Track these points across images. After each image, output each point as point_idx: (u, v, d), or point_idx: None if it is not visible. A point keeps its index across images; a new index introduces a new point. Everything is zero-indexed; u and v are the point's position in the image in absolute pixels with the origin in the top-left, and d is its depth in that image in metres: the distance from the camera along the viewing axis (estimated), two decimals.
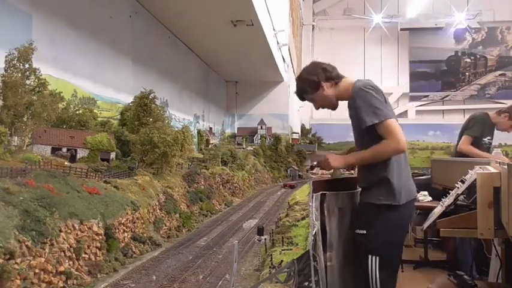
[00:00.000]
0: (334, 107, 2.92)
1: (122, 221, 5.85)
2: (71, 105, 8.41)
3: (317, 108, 3.00)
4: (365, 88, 2.62)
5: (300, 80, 2.92)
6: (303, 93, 2.93)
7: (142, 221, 6.53)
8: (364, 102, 2.57)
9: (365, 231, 2.64)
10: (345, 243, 2.93)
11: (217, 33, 14.37)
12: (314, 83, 2.82)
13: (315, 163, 2.96)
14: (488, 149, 5.36)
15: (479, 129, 5.30)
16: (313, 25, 33.73)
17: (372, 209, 2.63)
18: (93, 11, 9.58)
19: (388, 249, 2.61)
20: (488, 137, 5.38)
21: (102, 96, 9.92)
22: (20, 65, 6.05)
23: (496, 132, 5.55)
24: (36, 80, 6.29)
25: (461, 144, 5.16)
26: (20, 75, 6.03)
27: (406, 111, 32.44)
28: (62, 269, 4.21)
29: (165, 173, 8.90)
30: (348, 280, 2.94)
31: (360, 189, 2.89)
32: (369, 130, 2.54)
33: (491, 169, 2.47)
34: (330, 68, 2.89)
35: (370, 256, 2.60)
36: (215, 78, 21.70)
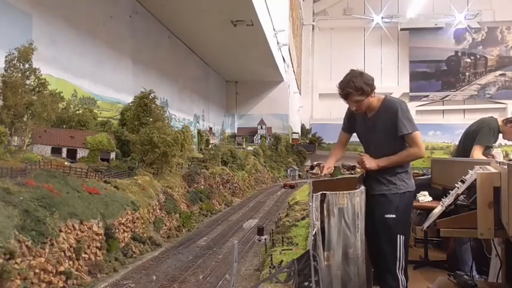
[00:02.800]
0: (363, 112, 3.60)
1: (122, 221, 5.85)
2: (71, 105, 8.41)
3: (358, 109, 3.54)
4: (404, 103, 3.48)
5: (358, 82, 3.40)
6: (352, 91, 3.40)
7: (142, 221, 6.53)
8: (406, 114, 3.37)
9: (394, 215, 3.32)
10: (343, 243, 2.93)
11: (217, 33, 14.38)
12: (368, 89, 3.42)
13: (315, 163, 3.00)
14: (490, 151, 5.35)
15: (492, 139, 5.27)
16: (313, 25, 33.70)
17: (395, 197, 3.37)
18: (93, 11, 9.58)
19: (408, 228, 3.50)
20: (494, 144, 5.36)
21: (102, 96, 9.92)
22: (20, 65, 6.05)
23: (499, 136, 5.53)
24: (36, 80, 6.29)
25: (475, 155, 5.10)
26: (20, 75, 6.03)
27: None
28: (62, 269, 4.21)
29: (165, 173, 8.90)
30: (346, 279, 2.95)
31: (361, 188, 3.31)
32: (400, 137, 3.37)
33: (491, 169, 2.47)
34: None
35: (398, 236, 3.28)
36: (215, 78, 21.70)
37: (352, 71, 3.48)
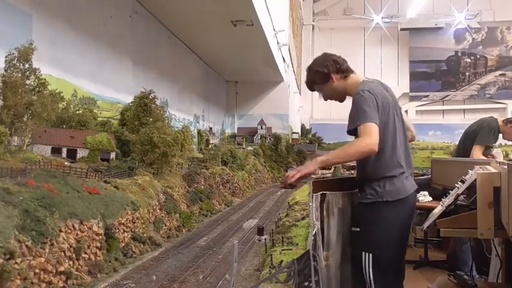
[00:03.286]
0: (341, 99, 2.96)
1: (122, 221, 5.85)
2: (71, 105, 8.41)
3: (325, 99, 3.01)
4: (362, 92, 2.65)
5: (310, 70, 2.94)
6: (313, 83, 2.97)
7: (142, 221, 6.53)
8: (357, 105, 2.62)
9: (358, 229, 2.73)
10: (343, 243, 2.94)
11: (217, 33, 14.37)
12: (324, 74, 2.85)
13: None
14: (490, 150, 5.34)
15: (492, 139, 5.25)
16: (313, 25, 33.74)
17: (363, 207, 2.72)
18: (93, 11, 9.58)
19: (382, 247, 2.64)
20: (494, 144, 5.35)
21: (102, 96, 9.92)
22: (20, 65, 6.05)
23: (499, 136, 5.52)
24: (36, 80, 6.30)
25: (475, 155, 5.08)
26: (20, 75, 6.03)
27: (406, 111, 32.34)
28: (62, 269, 4.21)
29: (165, 173, 8.90)
30: (345, 279, 2.95)
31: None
32: (355, 133, 2.63)
33: (491, 169, 2.47)
34: (341, 60, 2.89)
35: (364, 253, 2.65)
36: (215, 78, 21.70)
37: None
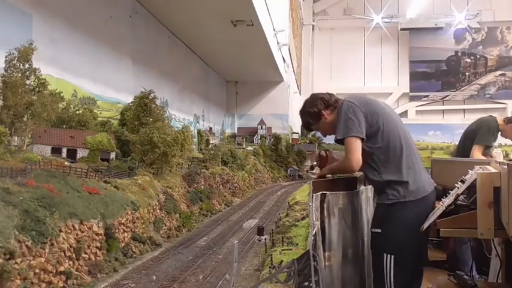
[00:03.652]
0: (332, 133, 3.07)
1: (122, 221, 5.85)
2: (71, 105, 8.41)
3: (324, 136, 3.14)
4: (344, 103, 2.79)
5: (303, 114, 3.07)
6: (308, 125, 3.10)
7: (142, 221, 6.53)
8: (342, 116, 2.75)
9: (380, 230, 2.76)
10: (344, 243, 2.94)
11: (217, 33, 14.37)
12: (315, 114, 2.98)
13: (315, 163, 2.99)
14: (490, 150, 5.34)
15: (491, 138, 5.24)
16: (313, 25, 33.72)
17: (384, 208, 2.78)
18: (93, 11, 9.58)
19: (403, 248, 2.70)
20: (493, 143, 5.35)
21: (102, 96, 9.92)
22: (20, 65, 6.06)
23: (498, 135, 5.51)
24: (36, 80, 6.30)
25: (475, 155, 5.07)
26: (20, 75, 6.03)
27: (406, 111, 32.45)
28: (62, 269, 4.21)
29: (165, 173, 8.90)
30: (347, 279, 2.95)
31: (361, 188, 3.05)
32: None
33: (491, 169, 2.47)
34: (327, 96, 3.02)
35: (385, 254, 2.70)
36: (215, 78, 21.70)
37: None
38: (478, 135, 5.20)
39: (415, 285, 2.82)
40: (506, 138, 5.40)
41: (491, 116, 5.55)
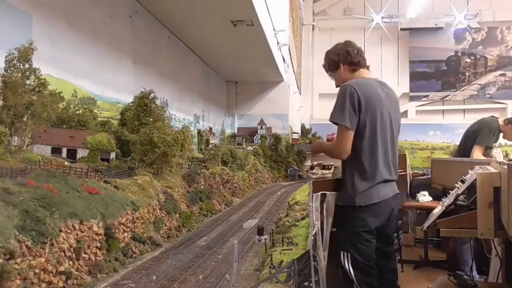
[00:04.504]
0: None
1: (122, 221, 5.85)
2: (71, 105, 8.41)
3: (336, 86, 3.10)
4: (348, 86, 2.78)
5: (326, 55, 3.12)
6: (325, 68, 3.17)
7: (142, 221, 6.53)
8: (338, 100, 2.81)
9: (335, 229, 2.88)
10: None
11: (217, 33, 14.37)
12: (334, 63, 3.01)
13: (315, 163, 3.01)
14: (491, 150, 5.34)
15: (492, 139, 5.25)
16: (313, 25, 33.72)
17: (338, 209, 2.87)
18: (93, 11, 9.58)
19: (355, 248, 2.71)
20: (494, 144, 5.36)
21: (102, 96, 9.92)
22: (20, 65, 6.05)
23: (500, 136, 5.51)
24: (36, 80, 6.29)
25: (475, 156, 5.08)
26: (20, 75, 6.03)
27: (406, 111, 32.43)
28: (62, 269, 4.21)
29: (165, 173, 8.90)
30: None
31: None
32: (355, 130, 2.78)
33: (491, 169, 2.47)
34: (354, 53, 3.00)
35: (342, 253, 2.75)
36: (215, 78, 21.70)
37: None
38: (479, 135, 5.21)
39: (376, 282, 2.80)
40: (508, 140, 5.41)
41: (492, 116, 5.56)
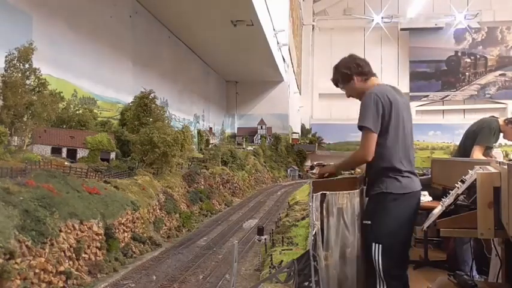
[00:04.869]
0: (361, 98, 3.21)
1: (122, 221, 5.85)
2: (71, 105, 8.41)
3: (348, 96, 3.30)
4: (370, 94, 2.98)
5: (336, 70, 3.23)
6: (337, 81, 3.26)
7: (142, 221, 6.53)
8: (363, 106, 2.95)
9: (369, 221, 2.95)
10: (342, 243, 2.94)
11: (217, 33, 14.38)
12: (346, 76, 3.16)
13: (315, 163, 3.03)
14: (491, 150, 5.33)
15: (492, 139, 5.25)
16: (313, 25, 33.73)
17: (372, 199, 2.98)
18: (93, 11, 9.58)
19: (390, 236, 2.87)
20: (494, 144, 5.34)
21: (102, 96, 9.92)
22: (20, 65, 6.05)
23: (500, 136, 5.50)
24: (36, 80, 6.29)
25: (475, 156, 5.07)
26: (20, 75, 6.03)
27: None
28: (62, 269, 4.21)
29: (165, 173, 8.90)
30: (343, 279, 2.95)
31: (361, 188, 3.11)
32: (379, 134, 2.95)
33: (491, 169, 2.47)
34: (363, 63, 3.20)
35: (373, 244, 2.88)
36: (215, 78, 21.70)
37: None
38: (479, 135, 5.20)
39: (403, 273, 2.97)
40: (509, 140, 5.40)
41: (493, 116, 5.55)
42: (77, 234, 4.74)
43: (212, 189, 11.02)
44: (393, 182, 2.90)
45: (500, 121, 5.31)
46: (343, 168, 3.23)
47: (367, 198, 3.05)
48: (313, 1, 33.82)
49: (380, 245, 2.84)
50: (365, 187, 3.16)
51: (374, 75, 3.23)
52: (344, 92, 3.31)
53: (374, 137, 2.89)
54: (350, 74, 3.12)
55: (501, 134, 5.35)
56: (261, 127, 23.54)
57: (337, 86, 3.33)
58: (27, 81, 6.17)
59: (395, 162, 2.93)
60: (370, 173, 3.04)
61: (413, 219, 3.05)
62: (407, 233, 3.01)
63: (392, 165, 2.92)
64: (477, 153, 5.05)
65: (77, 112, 8.42)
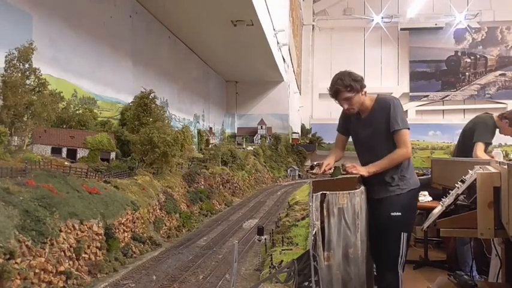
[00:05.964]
0: (356, 111, 3.59)
1: (122, 221, 5.85)
2: (71, 105, 8.40)
3: (345, 108, 3.59)
4: (397, 100, 3.52)
5: (353, 79, 3.48)
6: (348, 88, 3.46)
7: (142, 221, 6.53)
8: (398, 110, 3.35)
9: (400, 213, 3.40)
10: (344, 243, 2.94)
11: (217, 33, 14.38)
12: (360, 86, 3.48)
13: (315, 163, 3.03)
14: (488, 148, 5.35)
15: (490, 135, 5.28)
16: (313, 25, 33.68)
17: (403, 196, 3.46)
18: (93, 11, 9.58)
19: (411, 226, 3.59)
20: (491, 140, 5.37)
21: (102, 96, 9.92)
22: (20, 65, 6.04)
23: (496, 132, 5.52)
24: (36, 80, 6.29)
25: (478, 152, 5.09)
26: (20, 75, 6.03)
27: (406, 111, 32.34)
28: (62, 268, 4.21)
29: (165, 173, 8.90)
30: (347, 279, 2.95)
31: (361, 188, 3.32)
32: (392, 137, 3.39)
33: (491, 169, 2.47)
34: (363, 81, 3.61)
35: (402, 233, 3.38)
36: (215, 78, 21.70)
37: (340, 71, 3.59)
38: (476, 132, 5.23)
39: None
40: (503, 134, 5.42)
41: (487, 113, 5.58)
42: (77, 234, 4.74)
43: (212, 189, 11.02)
44: (411, 179, 3.45)
45: (494, 117, 5.35)
46: (386, 168, 3.49)
47: (389, 196, 3.45)
48: (313, 1, 33.78)
49: (406, 234, 3.37)
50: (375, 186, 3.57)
51: None
52: (343, 101, 3.60)
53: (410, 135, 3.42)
54: (360, 86, 3.45)
55: (497, 130, 5.37)
56: (261, 127, 23.54)
57: (335, 96, 3.55)
58: (27, 81, 6.16)
59: (410, 164, 3.47)
60: (387, 173, 3.44)
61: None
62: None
63: (410, 162, 3.47)
64: (480, 151, 5.07)
65: (77, 112, 8.41)
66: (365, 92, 3.49)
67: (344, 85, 3.43)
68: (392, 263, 3.34)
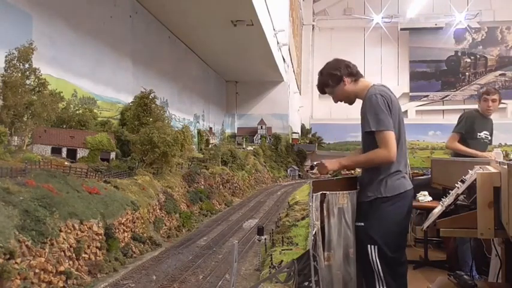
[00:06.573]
0: (351, 102, 3.14)
1: (122, 221, 5.85)
2: (71, 105, 8.41)
3: (336, 102, 3.19)
4: (376, 95, 2.86)
5: (323, 73, 3.12)
6: (324, 86, 3.11)
7: (142, 221, 6.53)
8: (372, 108, 2.82)
9: (363, 224, 2.90)
10: (344, 243, 2.94)
11: (217, 33, 14.38)
12: (336, 77, 3.04)
13: (315, 163, 2.99)
14: (486, 144, 5.38)
15: (463, 126, 5.39)
16: (313, 25, 33.73)
17: (367, 205, 2.92)
18: (93, 11, 9.58)
19: (385, 238, 2.83)
20: (485, 132, 5.40)
21: (102, 96, 9.92)
22: (20, 65, 6.05)
23: (496, 132, 5.54)
24: (36, 80, 6.29)
25: (447, 142, 5.26)
26: (20, 75, 6.03)
27: (406, 111, 32.42)
28: (62, 268, 4.21)
29: (165, 173, 8.90)
30: (348, 279, 2.95)
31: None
32: (370, 134, 2.84)
33: (491, 169, 2.47)
34: (352, 65, 3.13)
35: (369, 246, 2.83)
36: (215, 78, 21.70)
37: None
38: (456, 125, 5.42)
39: (402, 271, 2.94)
40: (484, 113, 5.49)
41: (470, 108, 5.73)
42: (77, 234, 4.74)
43: (212, 189, 11.03)
44: (385, 187, 2.85)
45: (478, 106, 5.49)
46: (360, 165, 3.06)
47: (360, 202, 2.99)
48: (313, 1, 33.82)
49: (376, 247, 2.81)
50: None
51: (362, 76, 3.11)
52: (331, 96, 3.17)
53: (393, 135, 2.79)
54: (340, 75, 3.02)
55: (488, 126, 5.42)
56: (261, 127, 23.55)
57: (323, 92, 3.18)
58: (27, 81, 6.17)
59: (396, 163, 2.85)
60: (364, 176, 2.97)
61: (408, 218, 2.99)
62: (401, 233, 2.96)
63: (394, 166, 2.85)
64: (450, 140, 5.25)
65: (77, 112, 8.41)
66: (353, 80, 3.02)
67: (320, 83, 3.14)
68: (370, 281, 2.84)
